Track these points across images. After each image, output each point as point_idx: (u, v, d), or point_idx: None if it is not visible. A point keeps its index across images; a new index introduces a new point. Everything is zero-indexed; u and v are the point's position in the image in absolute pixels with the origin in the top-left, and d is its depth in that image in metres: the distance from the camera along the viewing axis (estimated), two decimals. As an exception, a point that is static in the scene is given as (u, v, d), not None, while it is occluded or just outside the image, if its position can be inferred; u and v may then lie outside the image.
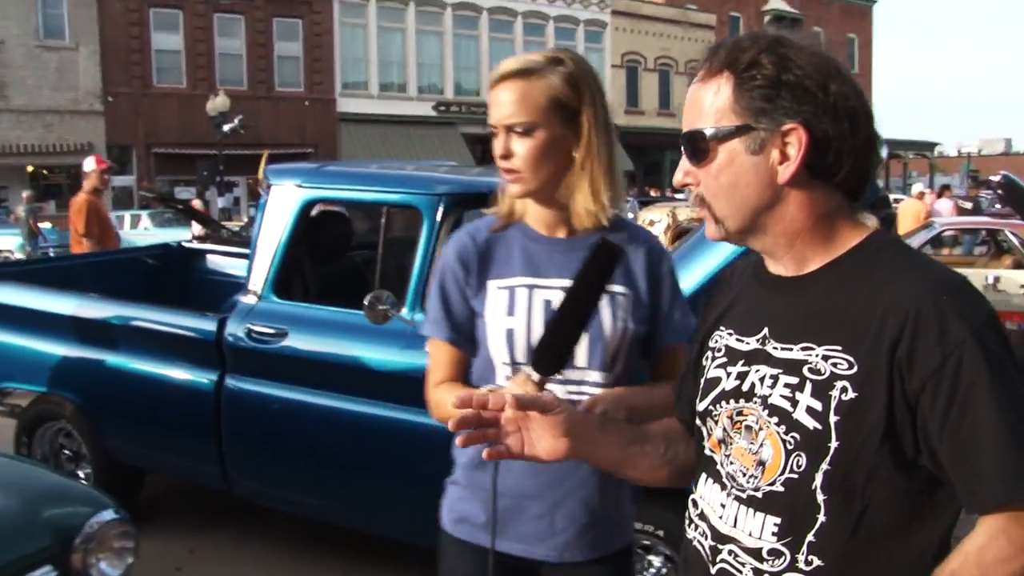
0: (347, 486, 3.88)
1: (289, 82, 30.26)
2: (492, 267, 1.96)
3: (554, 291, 1.87)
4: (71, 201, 7.73)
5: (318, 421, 3.82)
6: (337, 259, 4.73)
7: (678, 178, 1.33)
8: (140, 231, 20.60)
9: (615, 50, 37.21)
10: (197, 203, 19.50)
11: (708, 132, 1.27)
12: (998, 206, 18.87)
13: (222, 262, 6.55)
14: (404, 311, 3.64)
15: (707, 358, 1.44)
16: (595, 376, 1.90)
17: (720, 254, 3.39)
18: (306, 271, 4.31)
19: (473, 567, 1.97)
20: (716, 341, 1.43)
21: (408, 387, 3.60)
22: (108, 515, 2.68)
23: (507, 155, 1.85)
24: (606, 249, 1.62)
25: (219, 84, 27.83)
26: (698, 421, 1.43)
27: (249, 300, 4.05)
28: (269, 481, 4.11)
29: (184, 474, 4.43)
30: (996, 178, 10.00)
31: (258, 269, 4.06)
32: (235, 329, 4.00)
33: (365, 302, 3.48)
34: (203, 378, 4.09)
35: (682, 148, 1.31)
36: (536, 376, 1.62)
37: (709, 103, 1.27)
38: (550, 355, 1.63)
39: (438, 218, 3.70)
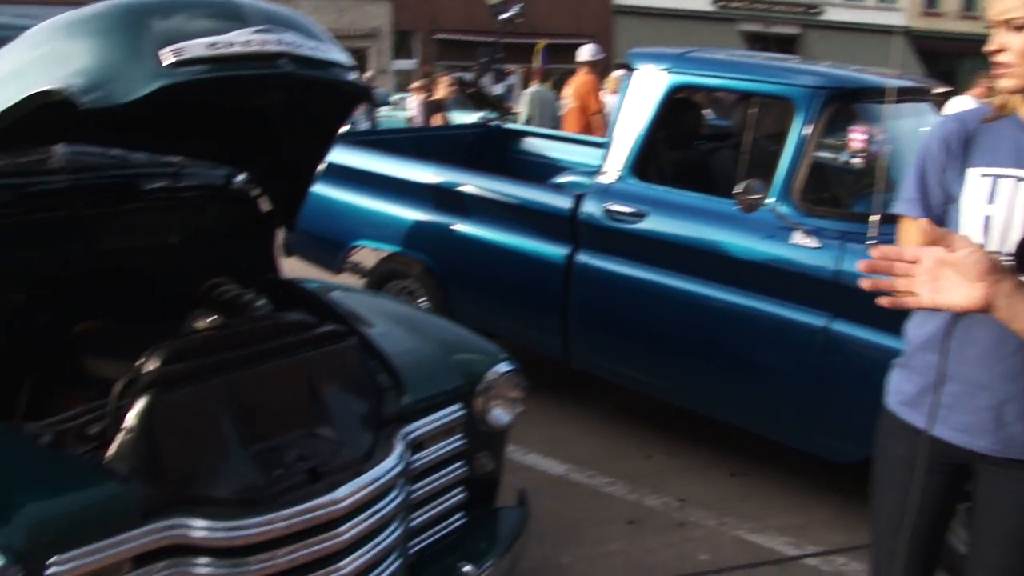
0: (692, 369, 3.98)
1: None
2: (977, 155, 1.91)
3: None
4: (575, 81, 8.39)
5: (670, 303, 3.91)
6: (688, 146, 4.72)
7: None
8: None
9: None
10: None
11: None
12: None
13: (537, 144, 6.74)
14: (770, 201, 3.62)
15: None
16: None
17: None
18: (662, 155, 4.34)
19: (908, 449, 1.98)
20: None
21: (765, 277, 3.64)
22: (504, 367, 2.88)
23: (1000, 49, 1.82)
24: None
25: (503, -30, 28.13)
26: None
27: (607, 180, 4.15)
28: (612, 356, 4.27)
29: (523, 340, 4.67)
30: None
31: (617, 150, 4.15)
32: (592, 207, 4.13)
33: (738, 189, 3.48)
34: (554, 252, 4.27)
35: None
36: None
37: None
38: None
39: (813, 112, 3.62)
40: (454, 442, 2.71)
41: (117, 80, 1.78)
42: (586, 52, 8.52)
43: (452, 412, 2.69)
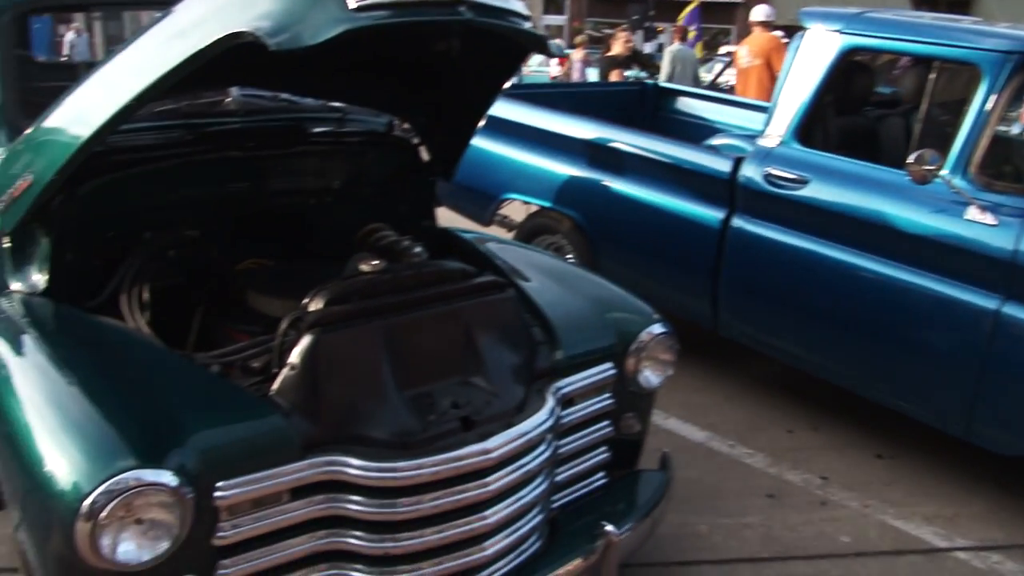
0: (846, 344, 3.83)
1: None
2: None
3: None
4: (755, 40, 8.23)
5: (829, 274, 3.77)
6: (857, 111, 4.51)
7: None
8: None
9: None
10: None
11: None
12: None
13: (692, 104, 6.59)
14: (944, 173, 3.42)
15: None
16: None
17: None
18: (828, 121, 4.16)
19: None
20: None
21: (933, 253, 3.45)
22: (658, 328, 2.83)
23: None
24: None
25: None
26: None
27: (768, 144, 4.01)
28: (762, 326, 4.16)
29: (669, 304, 4.58)
30: None
31: (781, 113, 4.00)
32: (751, 171, 4.01)
33: (911, 159, 3.31)
34: (709, 215, 4.17)
35: None
36: None
37: None
38: None
39: (1001, 79, 3.39)
40: (603, 401, 2.70)
41: (303, 23, 1.81)
42: (761, 12, 8.24)
43: (604, 371, 2.68)
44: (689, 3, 18.66)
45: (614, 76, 10.06)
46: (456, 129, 3.11)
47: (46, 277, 2.57)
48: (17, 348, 2.31)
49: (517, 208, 5.35)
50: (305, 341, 2.09)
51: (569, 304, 2.82)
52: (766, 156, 3.99)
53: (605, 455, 2.77)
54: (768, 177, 3.94)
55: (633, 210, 4.49)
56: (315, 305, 2.19)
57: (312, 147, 3.03)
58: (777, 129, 3.99)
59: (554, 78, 15.26)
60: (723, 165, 4.12)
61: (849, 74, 4.28)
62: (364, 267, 2.30)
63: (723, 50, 17.87)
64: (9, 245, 2.70)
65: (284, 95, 3.29)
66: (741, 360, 4.84)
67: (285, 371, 2.10)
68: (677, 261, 4.37)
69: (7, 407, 2.09)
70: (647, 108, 6.60)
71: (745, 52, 8.15)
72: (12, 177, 2.55)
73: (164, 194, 2.74)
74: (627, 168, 4.55)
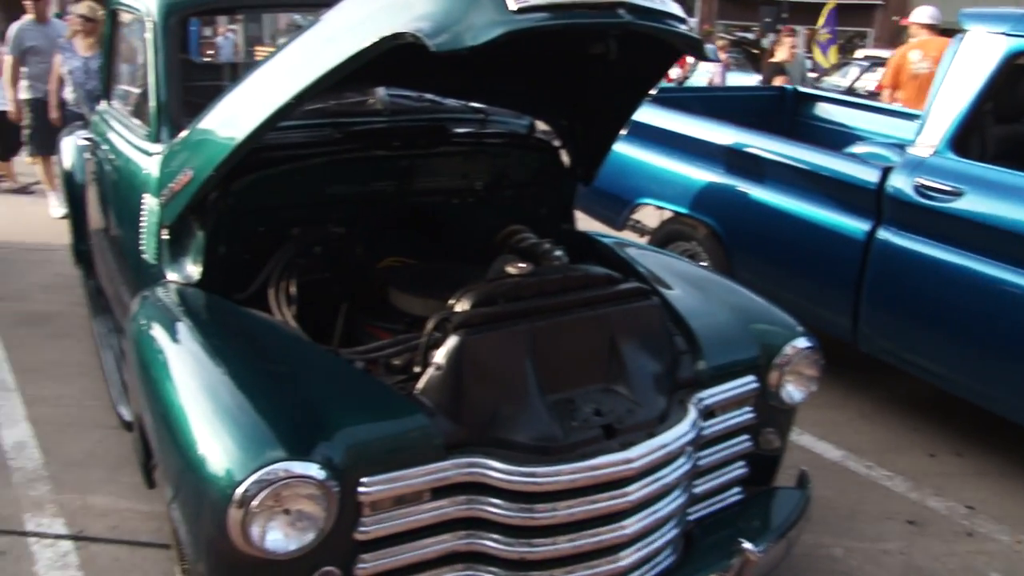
0: (999, 366, 3.62)
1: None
2: None
3: None
4: (928, 45, 7.69)
5: (981, 291, 3.58)
6: (1019, 120, 4.27)
7: None
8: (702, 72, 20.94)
9: None
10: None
11: None
12: None
13: (832, 110, 6.39)
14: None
15: None
16: None
17: None
18: (986, 129, 3.95)
19: None
20: None
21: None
22: (803, 342, 2.74)
23: None
24: None
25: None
26: None
27: (920, 153, 3.84)
28: (906, 342, 3.98)
29: (806, 316, 4.41)
30: None
31: (936, 121, 3.82)
32: (901, 181, 3.84)
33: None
34: (854, 226, 4.01)
35: None
36: None
37: None
38: None
39: None
40: (743, 414, 2.63)
41: (463, 24, 1.81)
42: (926, 14, 7.78)
43: (746, 383, 2.61)
44: (825, 4, 18.10)
45: (778, 83, 9.70)
46: (600, 132, 3.08)
47: (200, 269, 2.67)
48: (174, 335, 2.41)
49: (651, 213, 5.28)
50: (451, 342, 2.10)
51: (712, 314, 2.76)
52: (918, 166, 3.81)
53: (742, 470, 2.69)
54: (919, 188, 3.76)
55: (773, 218, 4.37)
56: (461, 306, 2.20)
57: (456, 147, 3.05)
58: (930, 138, 3.81)
59: (670, 80, 14.99)
60: (870, 175, 3.96)
61: (1013, 80, 4.05)
62: (510, 269, 2.30)
63: (860, 54, 17.24)
64: (167, 237, 2.82)
65: (428, 95, 3.33)
66: (878, 376, 4.65)
67: (430, 371, 2.12)
68: (817, 272, 4.23)
69: (164, 391, 2.17)
70: (786, 114, 6.43)
71: (918, 56, 7.69)
72: (173, 172, 2.67)
73: (312, 191, 2.81)
74: (767, 175, 4.43)
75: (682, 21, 2.14)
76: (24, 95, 7.69)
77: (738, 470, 2.68)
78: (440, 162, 3.01)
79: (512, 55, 2.45)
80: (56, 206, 7.67)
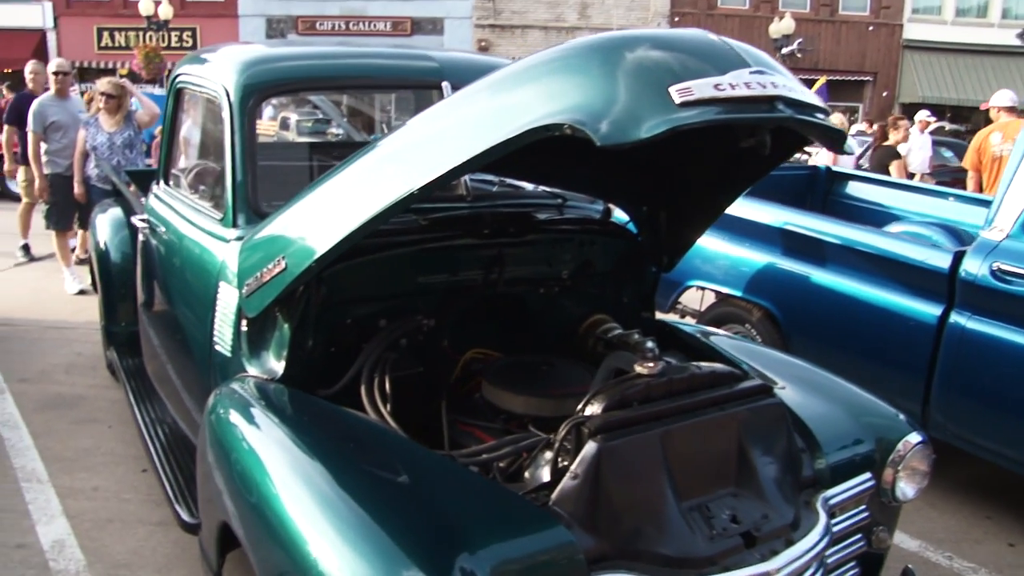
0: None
1: (854, 5, 28.80)
2: None
3: None
4: (1010, 127, 7.64)
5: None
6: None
7: None
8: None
9: None
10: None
11: None
12: None
13: (865, 189, 6.37)
14: None
15: None
16: None
17: None
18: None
19: None
20: None
21: None
22: (915, 437, 2.64)
23: None
24: None
25: (781, 6, 27.50)
26: None
27: (995, 237, 3.78)
28: (981, 428, 3.87)
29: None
30: None
31: (1010, 204, 3.77)
32: (976, 266, 3.77)
33: None
34: (924, 310, 3.93)
35: None
36: None
37: None
38: None
39: None
40: (859, 513, 2.52)
41: (628, 117, 1.71)
42: (1007, 98, 7.84)
43: (864, 482, 2.51)
44: (816, 80, 18.36)
45: (896, 170, 9.28)
46: (689, 223, 2.99)
47: (284, 363, 2.54)
48: (268, 435, 2.27)
49: (699, 295, 5.18)
50: (589, 448, 1.97)
51: (821, 407, 2.65)
52: (993, 250, 3.75)
53: (855, 571, 2.56)
54: (996, 272, 3.69)
55: (835, 301, 4.28)
56: (592, 409, 2.07)
57: (544, 235, 2.95)
58: (1006, 220, 3.76)
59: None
60: (941, 259, 3.90)
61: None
62: (640, 369, 2.18)
63: (853, 129, 17.45)
64: (247, 329, 2.68)
65: (507, 180, 3.25)
66: (946, 462, 4.51)
67: (566, 479, 1.98)
68: (884, 356, 4.13)
69: (269, 500, 2.04)
70: (818, 192, 6.41)
71: (999, 139, 7.73)
72: (261, 261, 2.53)
73: (401, 281, 2.69)
74: (829, 257, 4.35)
75: (827, 113, 2.06)
76: (44, 170, 7.63)
77: (852, 571, 2.55)
78: (527, 250, 2.91)
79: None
80: (72, 282, 7.54)
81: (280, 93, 3.41)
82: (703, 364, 2.41)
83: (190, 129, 3.75)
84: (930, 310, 3.92)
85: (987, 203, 6.24)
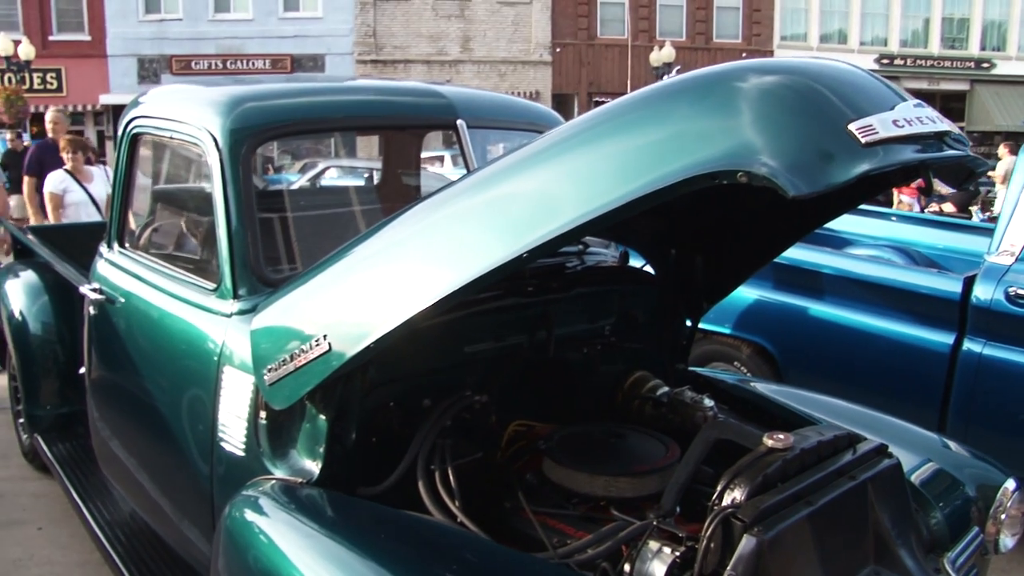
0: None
1: (727, 33, 29.81)
2: None
3: None
4: None
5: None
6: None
7: None
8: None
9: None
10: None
11: None
12: None
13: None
14: None
15: None
16: None
17: None
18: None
19: None
20: None
21: None
22: (1011, 484, 2.49)
23: None
24: None
25: (659, 35, 28.25)
26: None
27: (1003, 261, 3.69)
28: (1001, 457, 3.74)
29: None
30: None
31: (1017, 227, 3.68)
32: (988, 291, 3.67)
33: None
34: (935, 339, 3.81)
35: None
36: None
37: None
38: None
39: None
40: (970, 571, 2.31)
41: (813, 161, 1.44)
42: None
43: (975, 537, 2.35)
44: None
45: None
46: (728, 271, 2.75)
47: (321, 462, 2.15)
48: (328, 555, 1.89)
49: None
50: (747, 544, 1.68)
51: (914, 459, 2.45)
52: (1005, 273, 3.66)
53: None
54: (1012, 296, 3.60)
55: (836, 335, 4.13)
56: (733, 496, 1.78)
57: (589, 287, 2.65)
58: (1013, 245, 3.68)
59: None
60: (952, 285, 3.79)
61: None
62: (771, 443, 1.90)
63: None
64: (266, 422, 2.28)
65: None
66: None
67: (725, 582, 1.68)
68: (893, 388, 3.99)
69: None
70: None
71: None
72: (291, 341, 2.12)
73: (449, 351, 2.34)
74: (825, 290, 4.21)
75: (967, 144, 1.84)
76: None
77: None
78: (571, 305, 2.60)
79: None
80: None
81: (277, 136, 2.94)
82: (823, 429, 2.15)
83: (153, 182, 3.27)
84: (941, 339, 3.81)
85: (929, 222, 6.32)
